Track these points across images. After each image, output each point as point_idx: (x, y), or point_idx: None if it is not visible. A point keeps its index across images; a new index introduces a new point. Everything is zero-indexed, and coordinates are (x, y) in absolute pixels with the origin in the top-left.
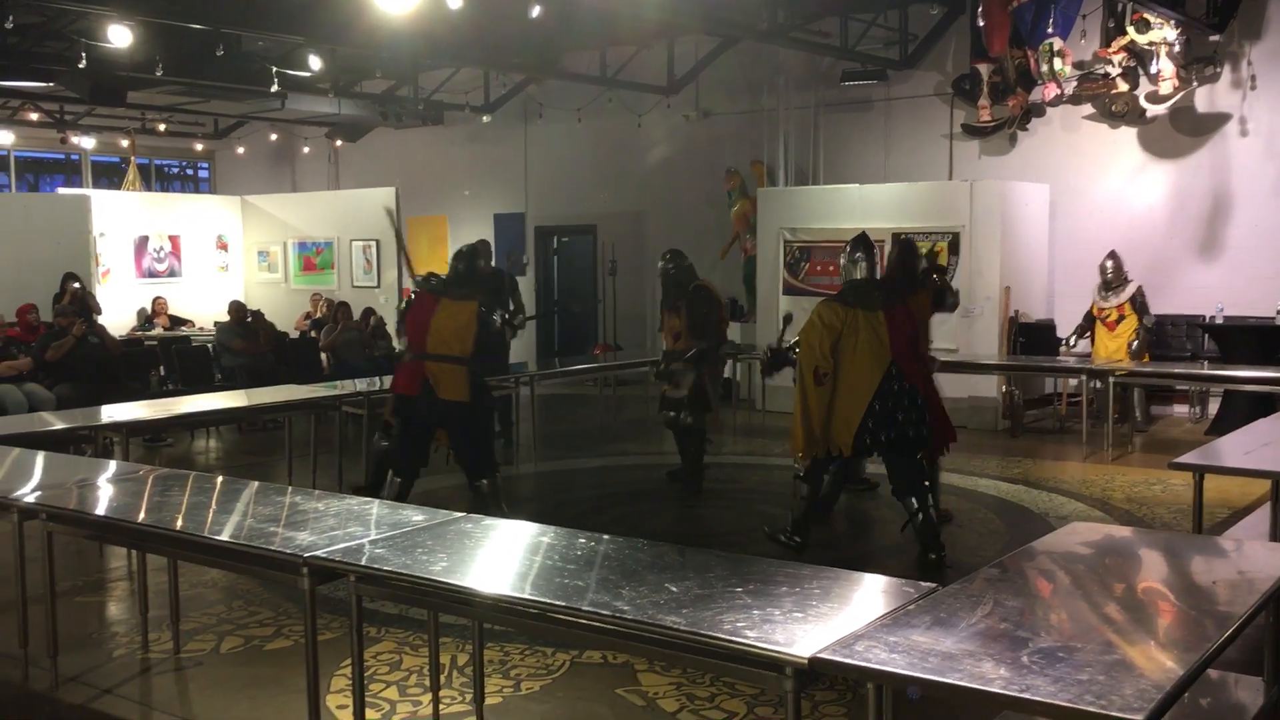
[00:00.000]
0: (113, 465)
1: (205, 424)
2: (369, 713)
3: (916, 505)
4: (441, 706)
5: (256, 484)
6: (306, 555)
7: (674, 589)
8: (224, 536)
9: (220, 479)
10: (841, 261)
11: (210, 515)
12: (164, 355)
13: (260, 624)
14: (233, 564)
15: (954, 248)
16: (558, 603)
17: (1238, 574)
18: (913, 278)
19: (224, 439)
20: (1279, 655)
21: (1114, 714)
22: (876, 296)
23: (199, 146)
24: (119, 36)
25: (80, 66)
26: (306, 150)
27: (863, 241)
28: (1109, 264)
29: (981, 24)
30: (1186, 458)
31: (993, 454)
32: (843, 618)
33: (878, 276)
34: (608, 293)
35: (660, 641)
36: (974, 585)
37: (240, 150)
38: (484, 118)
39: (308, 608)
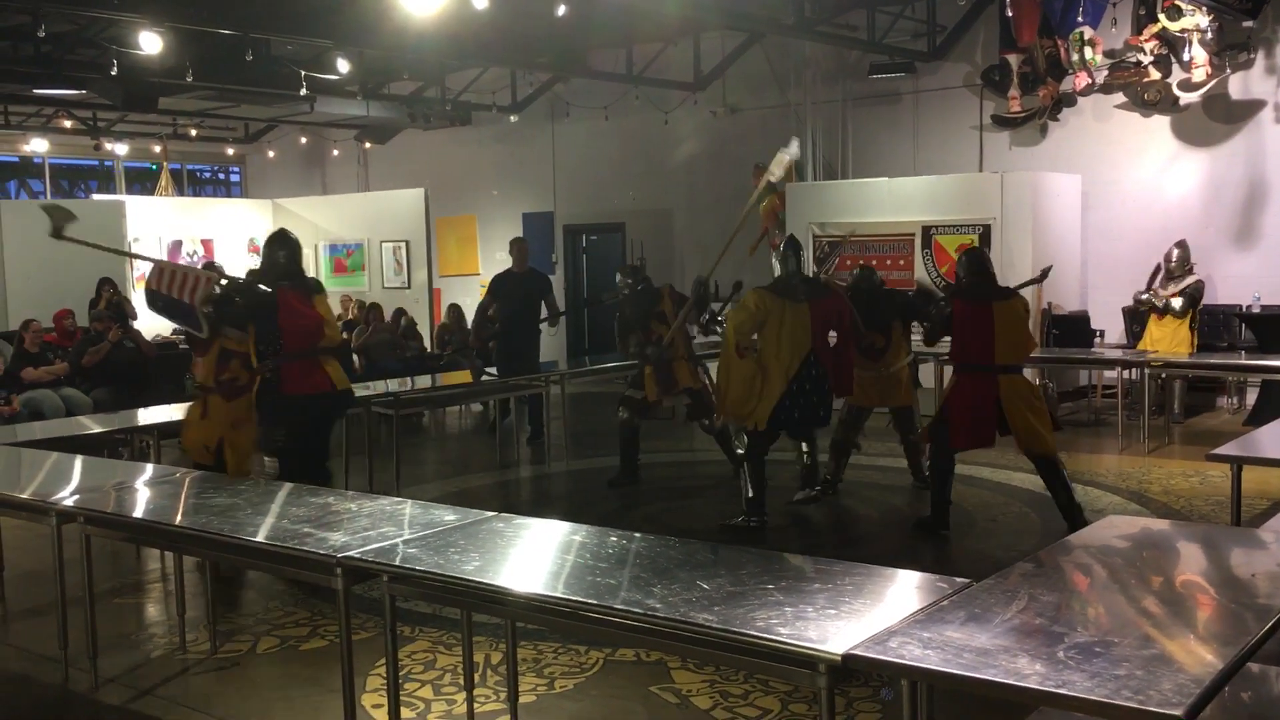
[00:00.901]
0: (149, 468)
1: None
2: (404, 711)
3: (806, 449)
4: (476, 705)
5: (290, 485)
6: (340, 556)
7: (706, 586)
8: (259, 538)
9: (254, 481)
10: (774, 258)
11: (245, 517)
12: None
13: (296, 624)
14: (268, 565)
15: (985, 240)
16: (590, 601)
17: (1277, 566)
18: (993, 282)
19: None
20: None
21: (1152, 709)
22: (801, 289)
23: (230, 151)
24: (149, 43)
25: (112, 74)
26: (336, 153)
27: (792, 242)
28: (1175, 252)
29: (1010, 14)
30: (1224, 449)
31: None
32: (876, 614)
33: (804, 272)
34: None
35: (693, 639)
36: (1009, 580)
37: (271, 154)
38: (511, 117)
39: (342, 608)
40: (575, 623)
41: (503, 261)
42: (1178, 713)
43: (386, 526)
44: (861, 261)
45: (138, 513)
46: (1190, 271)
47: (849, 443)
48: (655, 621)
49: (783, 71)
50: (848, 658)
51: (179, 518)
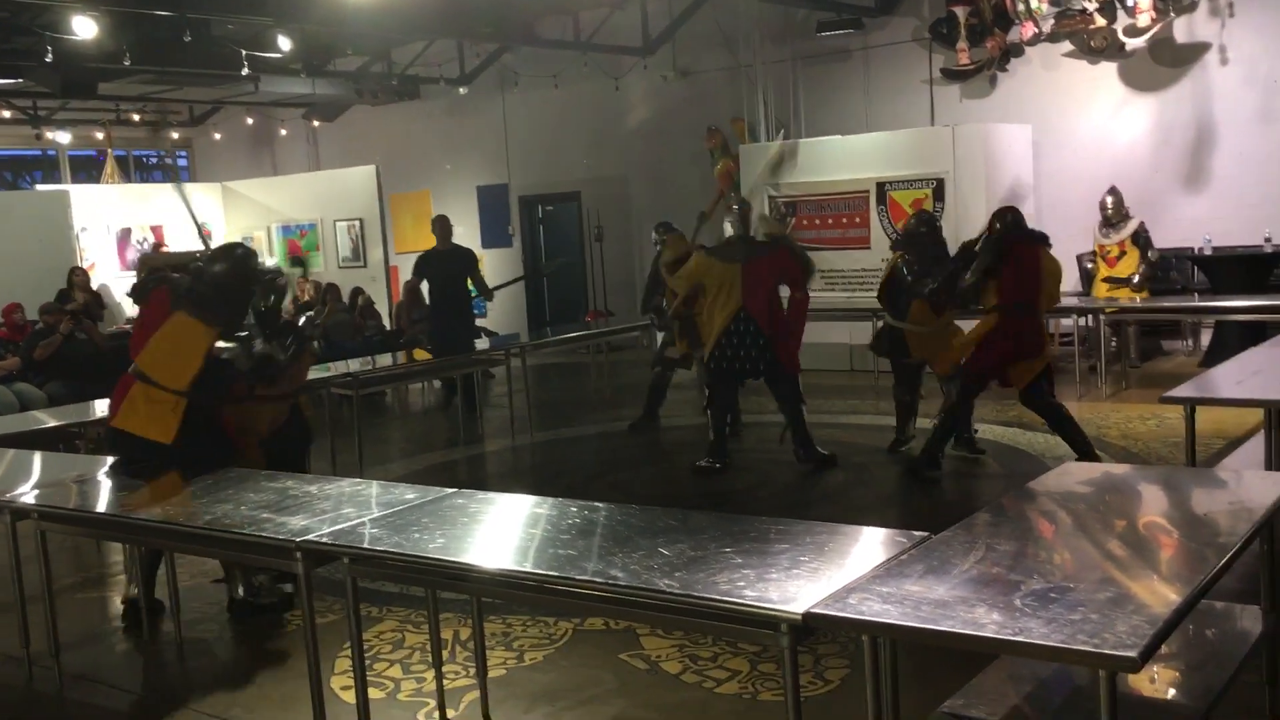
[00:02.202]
0: (106, 460)
1: None
2: (374, 691)
3: (789, 418)
4: (446, 682)
5: (248, 472)
6: (299, 540)
7: (667, 553)
8: (217, 525)
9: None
10: (726, 220)
11: (202, 505)
12: None
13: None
14: (228, 553)
15: (939, 194)
16: (554, 574)
17: (1230, 504)
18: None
19: None
20: (1274, 581)
21: (1107, 652)
22: (739, 250)
23: (175, 135)
24: (84, 28)
25: (48, 60)
26: (284, 132)
27: (741, 205)
28: (1109, 199)
29: None
30: (1177, 391)
31: (987, 396)
32: (837, 572)
33: (747, 235)
34: (595, 258)
35: (657, 605)
36: (968, 531)
37: (217, 136)
38: (460, 90)
39: (304, 592)
40: (541, 595)
41: (458, 237)
42: (1132, 654)
43: (348, 508)
44: (818, 220)
45: (92, 506)
46: (1128, 215)
47: (910, 401)
48: (619, 590)
49: (732, 32)
50: (808, 616)
51: (134, 509)
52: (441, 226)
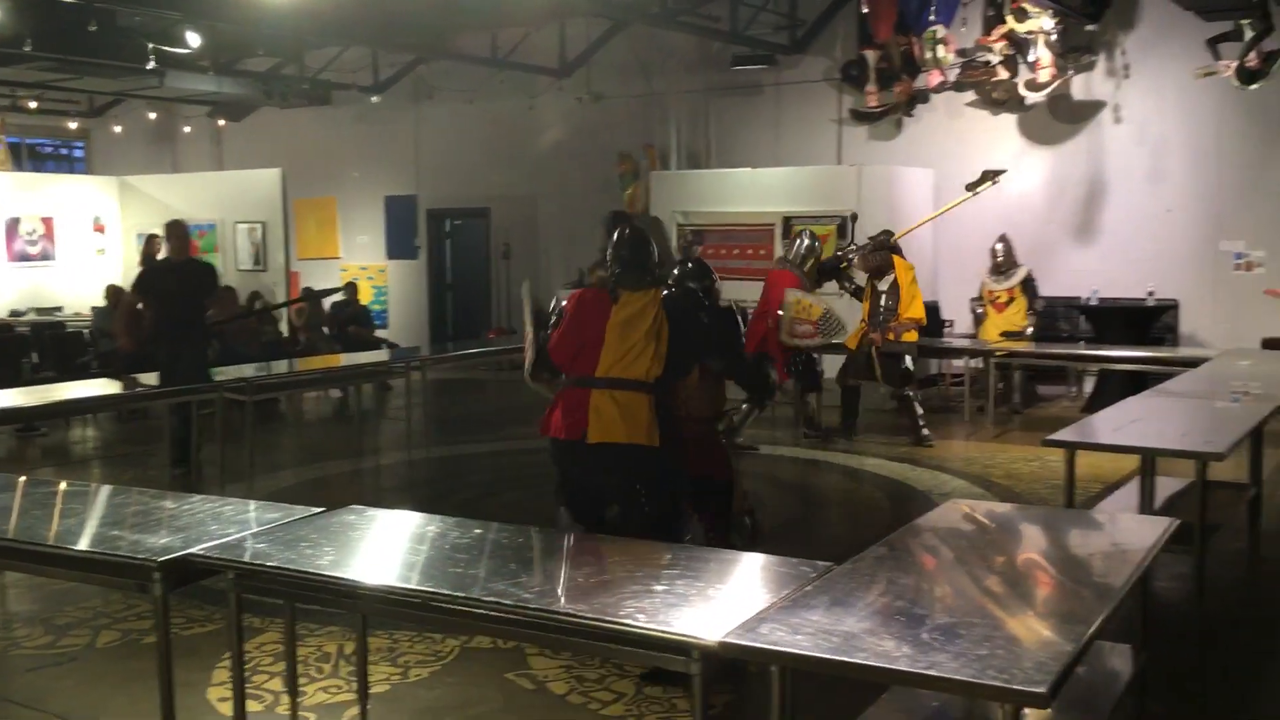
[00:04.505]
0: None
1: (78, 412)
2: (251, 704)
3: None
4: (328, 696)
5: (108, 487)
6: (161, 559)
7: (573, 575)
8: (81, 545)
9: (63, 484)
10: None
11: (55, 520)
12: (35, 341)
13: (139, 617)
14: (82, 574)
15: (842, 231)
16: (458, 594)
17: (1111, 546)
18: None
19: (102, 427)
20: (1147, 623)
21: (1018, 687)
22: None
23: (73, 125)
24: None
25: None
26: (188, 130)
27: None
28: (999, 247)
29: (866, 10)
30: (1059, 435)
31: (879, 433)
32: (744, 600)
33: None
34: (501, 276)
35: (566, 630)
36: (865, 564)
37: (117, 129)
38: (373, 98)
39: (159, 615)
40: (441, 616)
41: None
42: (1042, 690)
43: (213, 525)
44: (724, 250)
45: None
46: (1017, 263)
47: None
48: (525, 613)
49: (647, 60)
50: (723, 645)
51: None
52: (176, 234)
